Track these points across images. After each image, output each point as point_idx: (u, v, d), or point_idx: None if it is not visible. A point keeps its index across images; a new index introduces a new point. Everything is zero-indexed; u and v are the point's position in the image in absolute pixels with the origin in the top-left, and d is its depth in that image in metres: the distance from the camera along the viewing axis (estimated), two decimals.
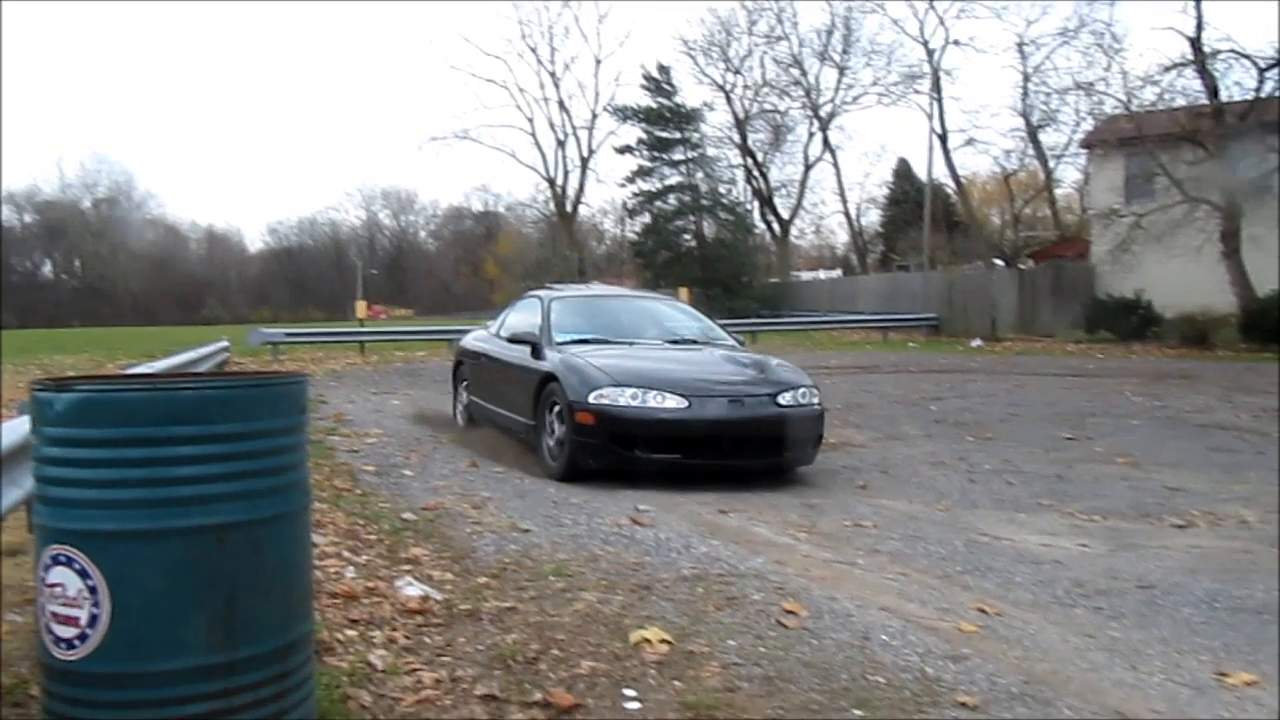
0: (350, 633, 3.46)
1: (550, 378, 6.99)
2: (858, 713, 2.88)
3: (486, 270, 67.41)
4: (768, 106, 45.20)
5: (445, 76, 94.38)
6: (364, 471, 6.92)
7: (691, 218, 42.37)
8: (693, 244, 42.19)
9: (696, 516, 5.61)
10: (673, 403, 6.48)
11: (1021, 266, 32.28)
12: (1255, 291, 21.50)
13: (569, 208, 49.77)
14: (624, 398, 6.48)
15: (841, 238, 55.42)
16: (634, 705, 2.91)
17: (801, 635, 3.56)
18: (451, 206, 77.64)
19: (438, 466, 7.21)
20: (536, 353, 7.47)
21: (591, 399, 6.50)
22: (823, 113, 43.79)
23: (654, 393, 6.51)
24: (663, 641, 3.41)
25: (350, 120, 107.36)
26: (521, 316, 8.54)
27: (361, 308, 29.90)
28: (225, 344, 17.36)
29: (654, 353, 7.47)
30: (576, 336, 7.66)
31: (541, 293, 8.70)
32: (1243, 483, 6.86)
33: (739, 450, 6.64)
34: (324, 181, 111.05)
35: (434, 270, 74.91)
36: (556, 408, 6.81)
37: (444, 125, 58.51)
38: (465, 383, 9.33)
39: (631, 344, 7.64)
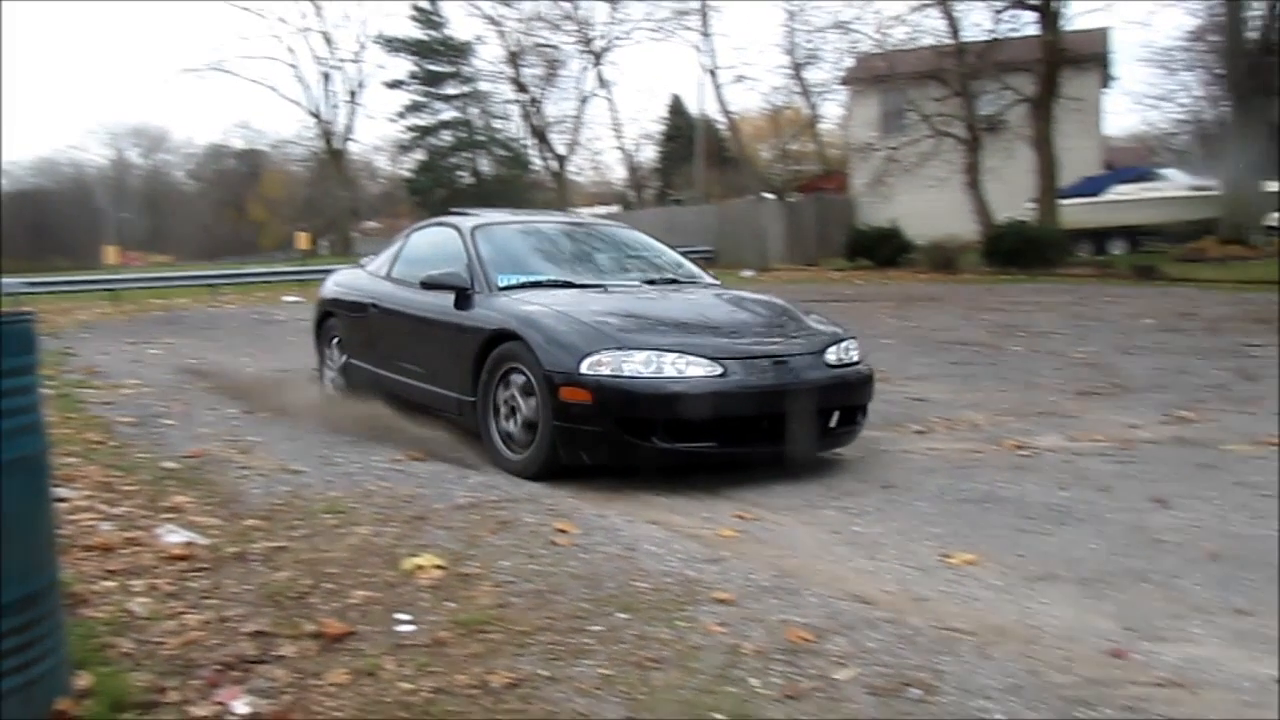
0: (108, 584, 3.33)
1: (503, 337, 5.20)
2: (622, 615, 3.05)
3: (252, 212, 63.87)
4: (540, 41, 44.73)
5: (195, 4, 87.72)
6: (120, 423, 6.54)
7: (467, 154, 41.78)
8: (470, 181, 41.65)
9: (471, 448, 5.64)
10: (701, 370, 4.76)
11: (789, 199, 33.64)
12: (994, 219, 23.37)
13: (338, 145, 47.81)
14: (632, 365, 4.71)
15: (619, 173, 55.86)
16: (408, 628, 2.97)
17: (572, 551, 3.71)
18: (210, 145, 72.77)
19: (202, 414, 6.90)
20: (465, 302, 5.67)
21: (585, 368, 4.71)
22: (595, 47, 43.73)
23: (673, 356, 4.78)
24: (436, 567, 3.48)
25: (88, 51, 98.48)
26: (427, 253, 6.53)
27: (112, 254, 27.75)
28: None
29: (642, 299, 5.68)
30: (523, 279, 5.81)
31: (456, 220, 6.55)
32: (976, 391, 7.57)
33: (782, 431, 4.91)
34: (62, 118, 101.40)
35: (194, 213, 70.20)
36: (515, 379, 5.10)
37: (197, 57, 54.31)
38: (338, 341, 7.38)
39: (604, 287, 5.81)
